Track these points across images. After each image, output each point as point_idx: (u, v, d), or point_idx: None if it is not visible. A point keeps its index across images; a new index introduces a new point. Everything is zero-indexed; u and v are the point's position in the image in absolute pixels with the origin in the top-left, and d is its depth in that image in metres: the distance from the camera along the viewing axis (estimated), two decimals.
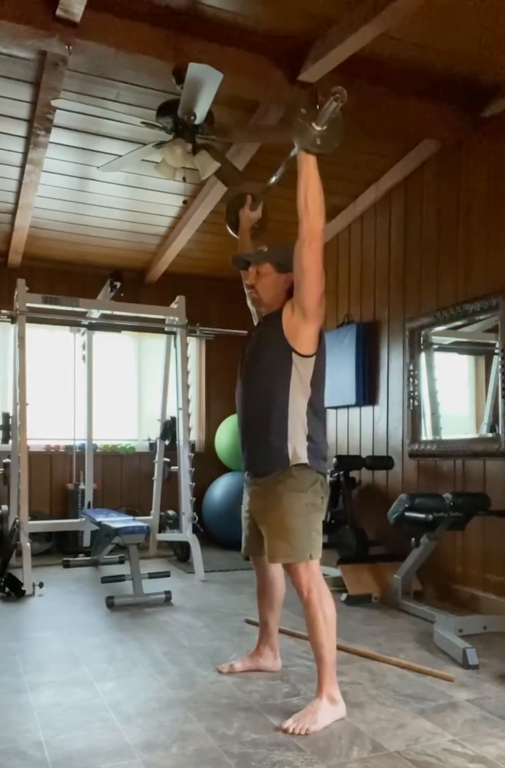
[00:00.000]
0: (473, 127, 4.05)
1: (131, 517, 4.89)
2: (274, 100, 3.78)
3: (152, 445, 6.18)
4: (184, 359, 5.42)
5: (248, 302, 2.82)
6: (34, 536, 4.92)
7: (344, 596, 4.15)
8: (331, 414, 5.58)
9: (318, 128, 2.30)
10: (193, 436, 6.35)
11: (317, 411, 2.54)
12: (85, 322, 5.61)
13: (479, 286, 4.10)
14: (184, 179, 3.69)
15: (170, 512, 5.72)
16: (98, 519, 4.80)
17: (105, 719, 2.39)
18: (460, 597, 4.13)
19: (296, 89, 3.50)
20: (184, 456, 5.26)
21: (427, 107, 3.90)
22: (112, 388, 6.42)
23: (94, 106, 3.87)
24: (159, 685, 2.75)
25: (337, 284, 5.58)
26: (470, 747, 2.17)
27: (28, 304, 4.94)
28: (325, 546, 4.30)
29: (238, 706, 2.51)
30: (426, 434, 4.59)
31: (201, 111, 3.22)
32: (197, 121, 3.31)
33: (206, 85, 3.01)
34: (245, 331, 2.86)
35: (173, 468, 5.62)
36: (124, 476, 6.38)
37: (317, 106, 2.29)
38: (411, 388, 4.63)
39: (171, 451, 5.67)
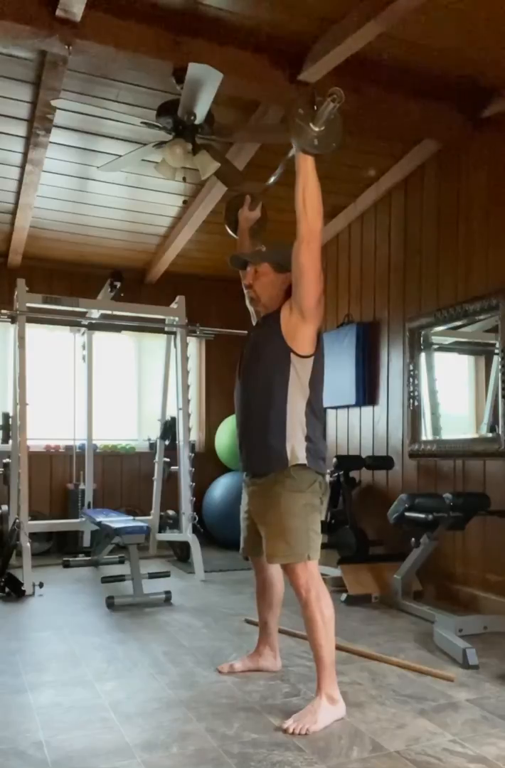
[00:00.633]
0: (473, 127, 4.05)
1: (131, 517, 4.89)
2: (274, 100, 3.78)
3: (152, 445, 6.18)
4: (184, 359, 5.42)
5: (247, 302, 2.82)
6: (34, 536, 4.91)
7: (344, 596, 4.15)
8: (331, 414, 5.58)
9: (316, 129, 2.31)
10: (193, 436, 6.35)
11: (315, 411, 2.54)
12: (85, 322, 5.61)
13: (479, 286, 4.09)
14: (184, 179, 3.69)
15: (170, 512, 5.72)
16: (98, 519, 4.80)
17: (105, 719, 2.39)
18: (460, 597, 4.13)
19: (296, 89, 3.51)
20: (184, 456, 5.26)
21: (427, 107, 3.90)
22: (112, 388, 6.42)
23: (94, 106, 3.87)
24: (159, 685, 2.75)
25: (337, 284, 5.58)
26: (470, 747, 2.17)
27: (28, 304, 4.95)
28: (325, 546, 4.35)
29: (238, 706, 2.51)
30: (426, 434, 4.59)
31: (201, 111, 3.22)
32: (197, 121, 3.31)
33: (206, 85, 3.01)
34: (245, 331, 2.86)
35: (173, 468, 5.62)
36: (124, 476, 6.38)
37: (315, 107, 2.29)
38: (411, 388, 4.63)
39: (171, 451, 5.67)
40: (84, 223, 5.39)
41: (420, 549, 3.92)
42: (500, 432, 3.87)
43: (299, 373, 2.49)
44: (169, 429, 5.68)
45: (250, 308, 2.84)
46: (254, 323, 2.84)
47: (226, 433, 6.26)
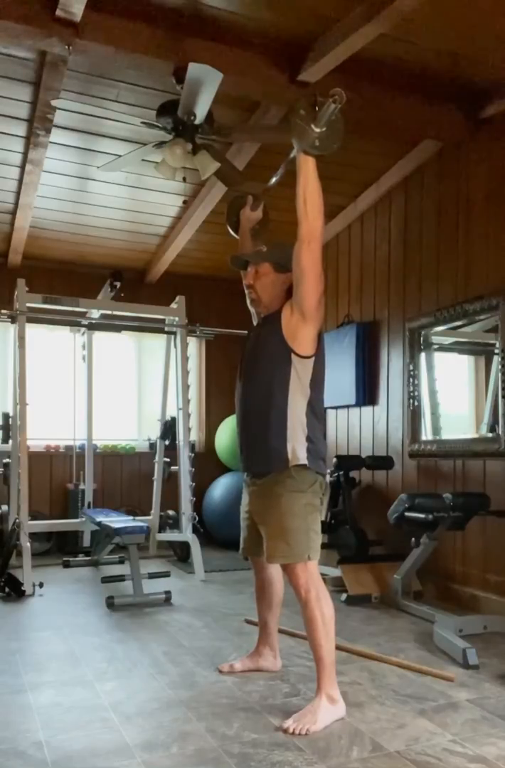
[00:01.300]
0: (473, 127, 4.05)
1: (131, 517, 4.89)
2: (274, 100, 3.78)
3: (152, 445, 6.18)
4: (184, 359, 5.42)
5: (247, 303, 2.82)
6: (34, 536, 4.91)
7: (344, 596, 4.15)
8: (331, 414, 5.58)
9: (317, 130, 2.31)
10: (193, 436, 6.34)
11: (316, 412, 2.54)
12: (85, 322, 5.61)
13: (479, 286, 4.09)
14: (184, 179, 3.69)
15: (170, 512, 5.72)
16: (98, 519, 4.80)
17: (105, 719, 2.39)
18: (460, 597, 4.13)
19: (296, 89, 3.51)
20: (184, 456, 5.26)
21: (427, 107, 3.90)
22: (112, 388, 6.42)
23: (94, 106, 3.87)
24: (159, 685, 2.75)
25: (337, 284, 5.58)
26: (470, 747, 2.17)
27: (28, 304, 4.95)
28: (325, 546, 4.35)
29: (238, 706, 2.51)
30: (426, 434, 4.59)
31: (201, 111, 3.22)
32: (197, 121, 3.31)
33: (206, 85, 3.01)
34: (245, 331, 2.86)
35: (173, 468, 5.62)
36: (124, 476, 6.38)
37: (316, 108, 2.29)
38: (411, 388, 4.63)
39: (171, 451, 5.67)
40: (84, 223, 5.39)
41: (420, 549, 3.92)
42: (500, 432, 3.87)
43: (300, 374, 2.49)
44: (169, 429, 5.68)
45: (251, 308, 2.84)
46: (254, 323, 2.84)
47: (226, 433, 6.26)
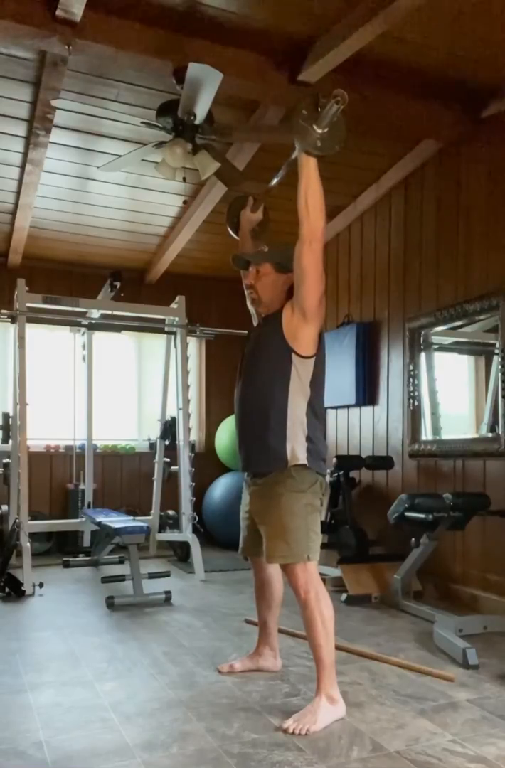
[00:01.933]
0: (473, 127, 4.05)
1: (131, 517, 4.89)
2: (274, 100, 3.78)
3: (152, 445, 6.18)
4: (184, 359, 5.42)
5: (248, 303, 2.82)
6: (34, 536, 4.91)
7: (344, 596, 4.15)
8: (331, 414, 5.58)
9: (319, 130, 2.31)
10: (193, 436, 6.34)
11: (316, 412, 2.54)
12: (85, 322, 5.61)
13: (479, 286, 4.10)
14: (184, 179, 3.69)
15: (170, 512, 5.72)
16: (98, 519, 4.80)
17: (105, 719, 2.39)
18: (460, 597, 4.13)
19: (296, 89, 3.51)
20: (184, 456, 5.26)
21: (427, 107, 3.90)
22: (112, 388, 6.42)
23: (94, 106, 3.87)
24: (159, 685, 2.75)
25: (337, 284, 5.58)
26: (470, 747, 2.17)
27: (28, 304, 4.95)
28: (325, 546, 4.35)
29: (238, 706, 2.51)
30: (426, 434, 4.59)
31: (201, 111, 3.22)
32: (197, 121, 3.30)
33: (206, 85, 3.01)
34: (245, 331, 2.86)
35: (173, 468, 5.62)
36: (124, 476, 6.38)
37: (318, 109, 2.29)
38: (411, 388, 4.63)
39: (171, 451, 5.67)
40: (84, 223, 5.39)
41: (420, 549, 3.92)
42: (500, 432, 3.87)
43: (300, 374, 2.49)
44: (169, 429, 5.68)
45: (251, 309, 2.84)
46: (254, 324, 2.84)
47: (226, 433, 6.26)
